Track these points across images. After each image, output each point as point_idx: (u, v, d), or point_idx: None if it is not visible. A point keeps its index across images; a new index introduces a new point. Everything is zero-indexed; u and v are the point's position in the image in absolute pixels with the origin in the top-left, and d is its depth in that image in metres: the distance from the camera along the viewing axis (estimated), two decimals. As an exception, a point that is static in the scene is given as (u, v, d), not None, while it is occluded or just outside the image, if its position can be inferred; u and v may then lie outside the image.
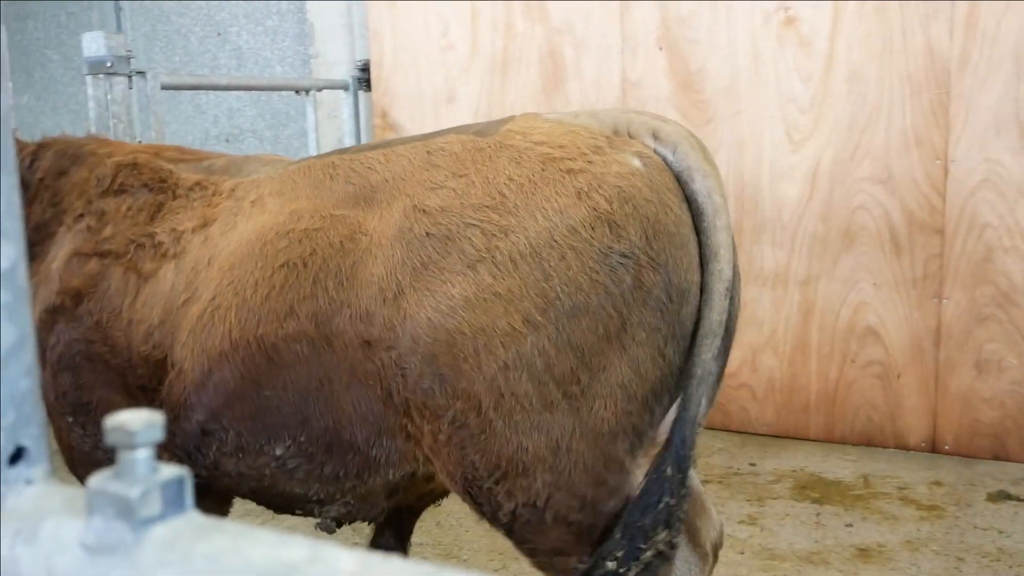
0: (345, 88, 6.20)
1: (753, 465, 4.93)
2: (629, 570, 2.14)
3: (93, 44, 4.22)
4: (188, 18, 7.60)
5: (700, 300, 2.25)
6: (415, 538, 4.11)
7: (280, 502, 2.57)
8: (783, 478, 4.74)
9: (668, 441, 2.22)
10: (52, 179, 2.78)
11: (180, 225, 2.54)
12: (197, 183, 2.63)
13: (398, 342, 2.15)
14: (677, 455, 2.18)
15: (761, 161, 5.19)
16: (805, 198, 5.10)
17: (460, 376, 2.11)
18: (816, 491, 4.56)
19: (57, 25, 8.27)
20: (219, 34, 7.49)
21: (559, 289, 2.09)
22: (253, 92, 7.31)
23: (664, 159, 2.29)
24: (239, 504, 4.36)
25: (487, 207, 2.16)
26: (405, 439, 2.24)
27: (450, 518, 4.27)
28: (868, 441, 5.15)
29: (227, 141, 7.52)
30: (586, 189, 2.14)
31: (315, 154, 3.47)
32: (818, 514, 4.29)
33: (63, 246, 2.63)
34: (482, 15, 5.82)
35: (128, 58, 4.31)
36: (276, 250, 2.33)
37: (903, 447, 5.08)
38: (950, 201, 4.81)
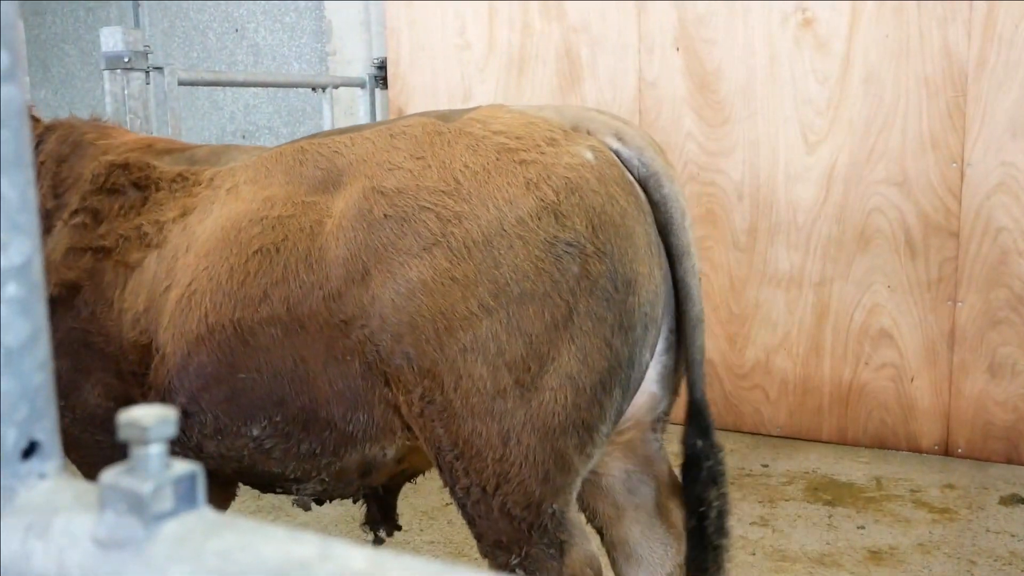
0: (362, 85, 6.21)
1: (765, 466, 4.92)
2: (707, 528, 2.43)
3: (111, 39, 4.24)
4: (206, 14, 7.62)
5: (678, 295, 2.42)
6: (426, 536, 4.12)
7: (260, 481, 2.64)
8: (795, 480, 4.73)
9: (687, 420, 2.48)
10: (52, 164, 2.85)
11: (163, 216, 2.60)
12: (179, 174, 2.69)
13: (370, 320, 2.23)
14: (699, 427, 2.46)
15: (776, 162, 5.17)
16: (820, 200, 5.09)
17: (424, 356, 2.18)
18: (828, 493, 4.55)
19: (75, 20, 8.30)
20: (237, 31, 7.50)
21: (508, 276, 2.15)
22: (270, 89, 7.33)
23: (628, 162, 2.37)
24: (251, 501, 4.38)
25: (442, 191, 2.22)
26: (384, 409, 2.32)
27: (461, 516, 4.27)
28: (881, 443, 5.13)
29: (243, 137, 7.54)
30: (535, 179, 2.19)
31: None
32: (830, 516, 4.28)
33: (60, 240, 2.69)
34: (499, 14, 5.82)
35: (146, 53, 4.33)
36: (250, 237, 2.39)
37: (916, 450, 5.06)
38: (965, 204, 4.79)
